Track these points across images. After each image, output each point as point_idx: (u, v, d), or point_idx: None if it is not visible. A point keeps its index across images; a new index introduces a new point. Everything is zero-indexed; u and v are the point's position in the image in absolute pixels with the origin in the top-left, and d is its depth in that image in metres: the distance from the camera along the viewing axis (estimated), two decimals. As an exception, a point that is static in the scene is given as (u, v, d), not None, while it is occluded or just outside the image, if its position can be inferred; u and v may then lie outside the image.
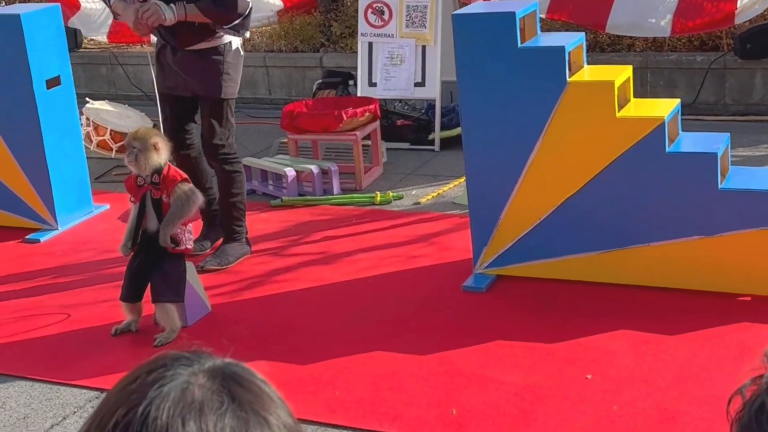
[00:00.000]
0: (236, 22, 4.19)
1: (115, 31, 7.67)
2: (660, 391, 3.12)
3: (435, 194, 5.17)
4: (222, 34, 4.25)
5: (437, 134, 5.97)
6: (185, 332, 3.74)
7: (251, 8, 4.28)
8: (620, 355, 3.37)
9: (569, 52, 3.75)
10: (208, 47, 4.26)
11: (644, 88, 6.14)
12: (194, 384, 0.89)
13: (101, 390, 3.43)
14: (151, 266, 3.75)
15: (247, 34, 4.42)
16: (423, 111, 6.14)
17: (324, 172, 5.28)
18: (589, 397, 3.12)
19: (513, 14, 3.73)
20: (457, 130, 5.86)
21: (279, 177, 5.29)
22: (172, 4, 4.14)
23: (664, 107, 3.77)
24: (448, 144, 5.93)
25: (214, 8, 4.15)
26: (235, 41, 4.33)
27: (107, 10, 7.69)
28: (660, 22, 6.07)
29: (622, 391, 3.14)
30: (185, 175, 3.82)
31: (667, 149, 3.64)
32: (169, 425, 0.84)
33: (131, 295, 3.78)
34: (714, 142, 3.70)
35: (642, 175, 3.68)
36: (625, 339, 3.47)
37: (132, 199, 3.81)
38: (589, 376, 3.24)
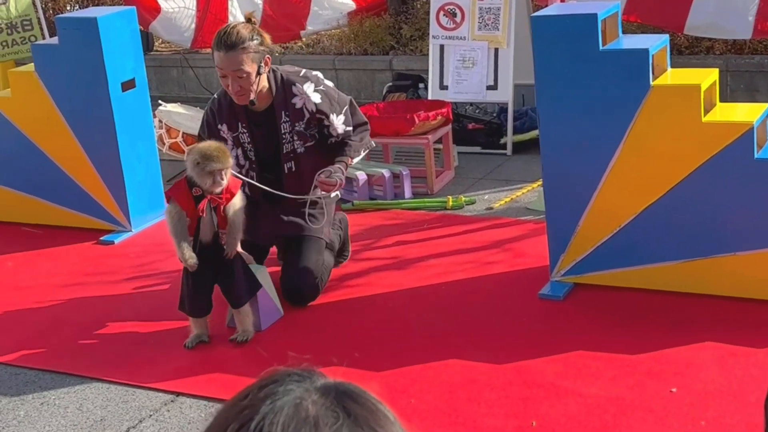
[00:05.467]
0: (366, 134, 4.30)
1: (198, 38, 7.68)
2: (749, 407, 3.00)
3: (508, 199, 5.09)
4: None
5: (509, 138, 5.88)
6: (257, 336, 3.73)
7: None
8: (706, 368, 3.26)
9: (653, 55, 3.64)
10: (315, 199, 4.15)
11: (724, 92, 5.98)
12: (307, 400, 0.86)
13: (177, 393, 3.43)
14: (212, 276, 3.71)
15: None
16: (495, 115, 6.06)
17: (395, 176, 5.24)
18: (674, 412, 3.02)
19: (595, 16, 3.64)
20: (530, 134, 5.79)
21: (350, 180, 5.26)
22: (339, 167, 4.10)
23: (753, 112, 3.64)
24: (519, 148, 5.85)
25: (359, 142, 4.24)
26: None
27: (189, 12, 7.71)
28: (741, 24, 5.91)
29: (708, 406, 3.04)
30: (239, 184, 3.79)
31: (756, 155, 3.52)
32: None
33: (201, 309, 3.73)
34: (805, 148, 3.56)
35: (729, 182, 3.56)
36: (710, 351, 3.35)
37: (202, 211, 3.70)
38: (674, 390, 3.14)
